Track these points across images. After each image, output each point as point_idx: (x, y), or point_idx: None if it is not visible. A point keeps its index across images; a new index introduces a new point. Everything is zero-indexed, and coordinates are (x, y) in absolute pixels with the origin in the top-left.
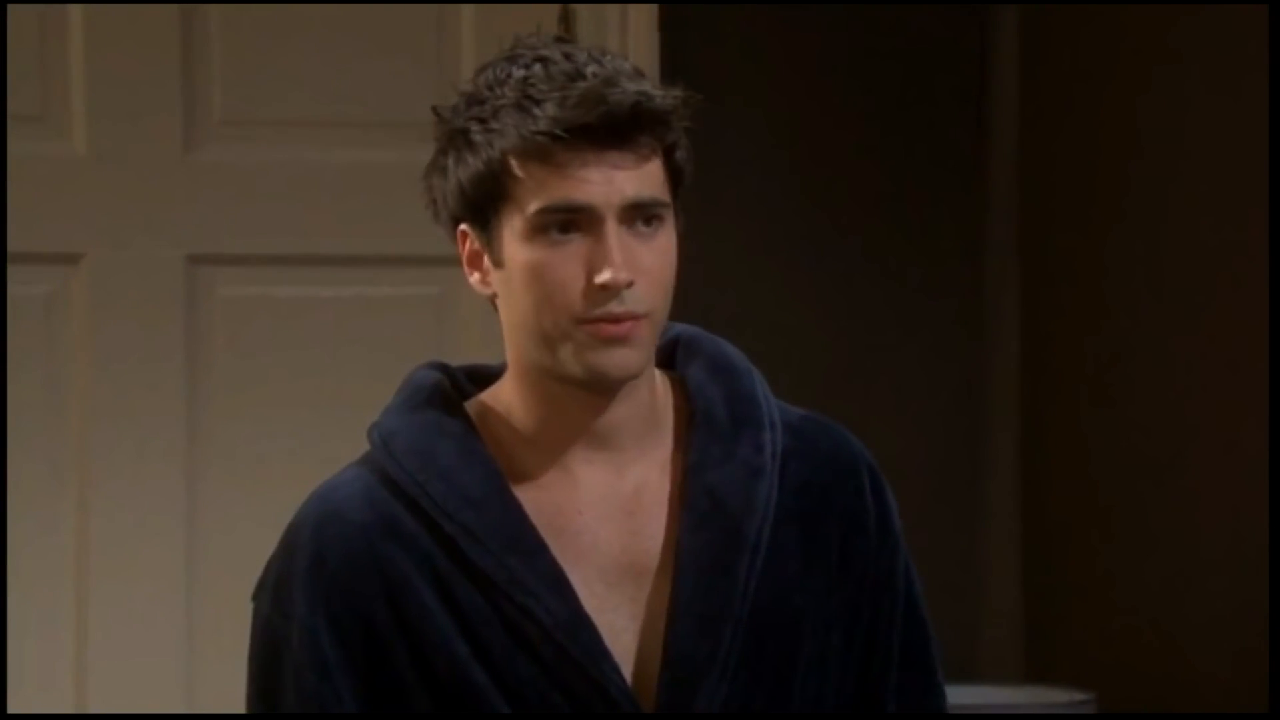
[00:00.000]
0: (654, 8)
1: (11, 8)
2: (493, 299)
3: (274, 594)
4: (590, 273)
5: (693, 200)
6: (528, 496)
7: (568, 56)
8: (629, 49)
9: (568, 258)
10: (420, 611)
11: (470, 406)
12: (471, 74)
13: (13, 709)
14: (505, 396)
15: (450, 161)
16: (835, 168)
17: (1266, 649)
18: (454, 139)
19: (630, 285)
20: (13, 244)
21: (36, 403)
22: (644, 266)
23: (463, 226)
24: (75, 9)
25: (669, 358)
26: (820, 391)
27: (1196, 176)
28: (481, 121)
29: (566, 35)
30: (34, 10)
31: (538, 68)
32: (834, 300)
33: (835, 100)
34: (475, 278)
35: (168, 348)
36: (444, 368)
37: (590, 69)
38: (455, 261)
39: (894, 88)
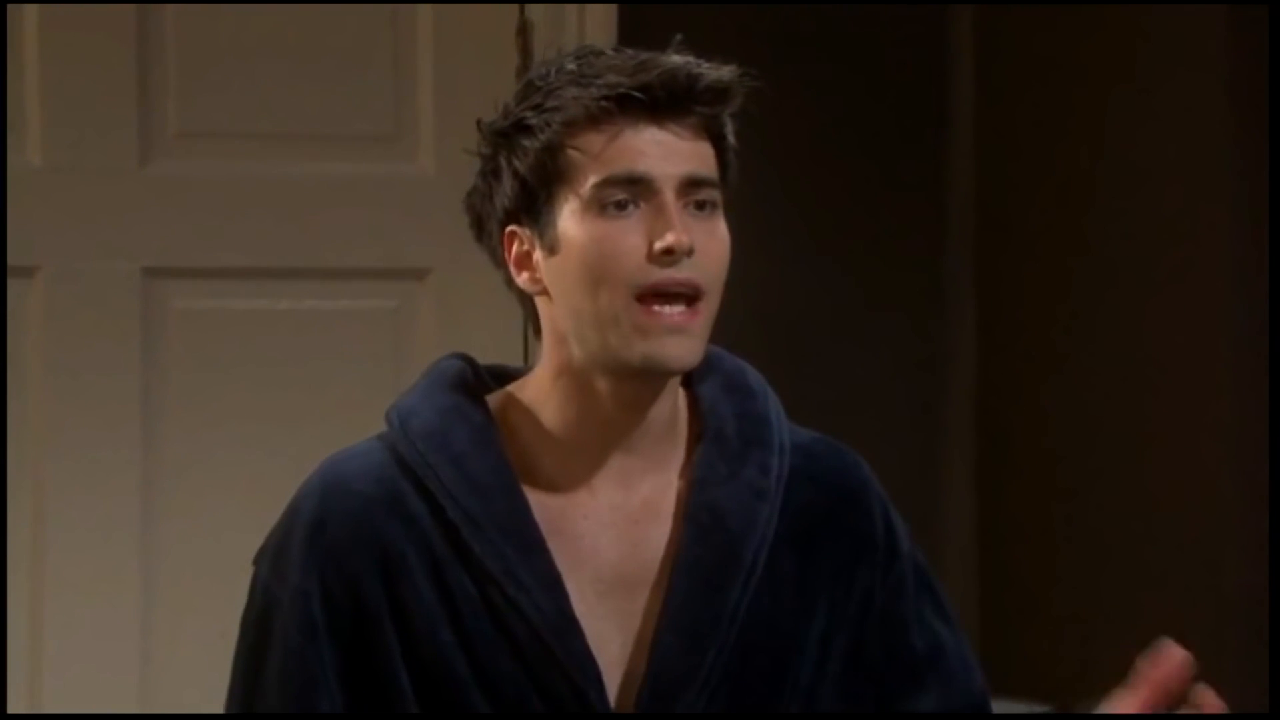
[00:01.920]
0: (612, 16)
1: None
2: (537, 298)
3: (273, 558)
4: (651, 241)
5: None
6: (535, 494)
7: (619, 50)
8: None
9: (627, 230)
10: (412, 593)
11: (493, 398)
12: (431, 85)
13: None
14: (533, 393)
15: (502, 159)
16: (792, 172)
17: (1224, 660)
18: (505, 136)
19: (691, 253)
20: None
21: None
22: (701, 245)
23: (511, 228)
24: (30, 21)
25: (685, 375)
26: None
27: (1157, 176)
28: (536, 107)
29: (524, 45)
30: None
31: (592, 57)
32: (786, 308)
33: (792, 108)
34: (524, 277)
35: (124, 360)
36: (469, 359)
37: (646, 54)
38: (413, 275)
39: (853, 93)
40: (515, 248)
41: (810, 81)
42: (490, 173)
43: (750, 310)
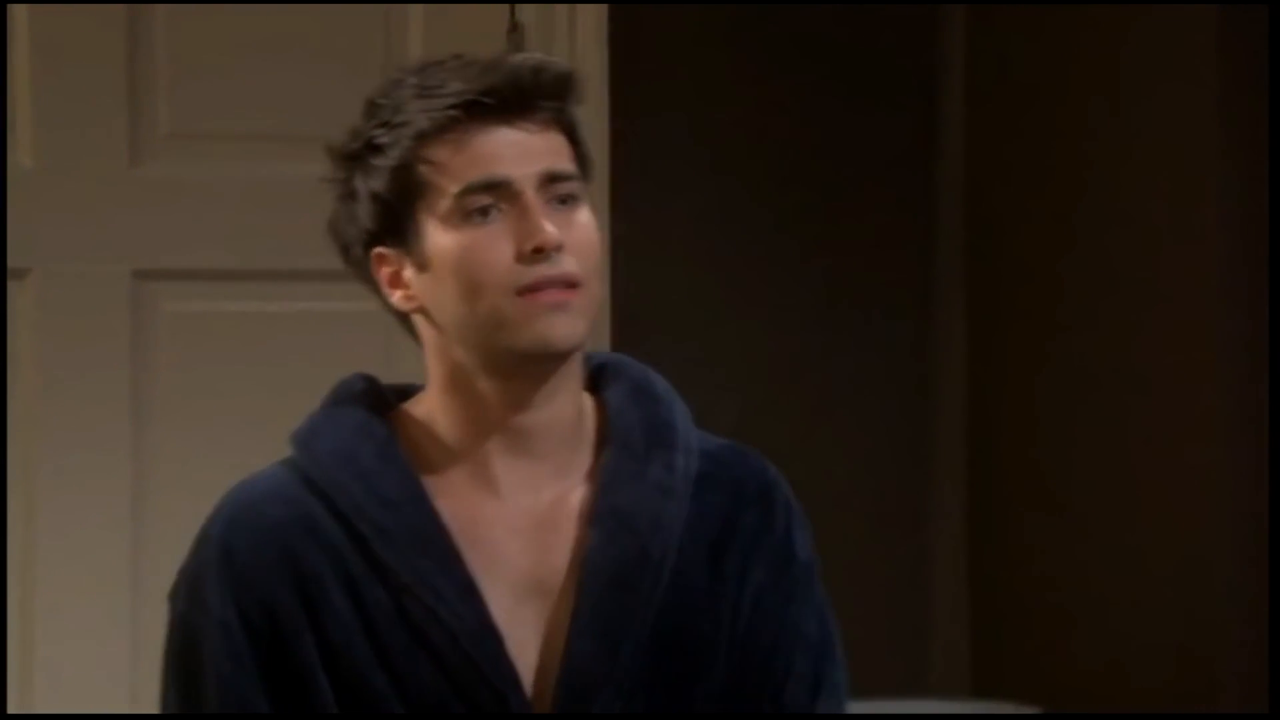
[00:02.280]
0: (603, 16)
1: None
2: (411, 315)
3: (189, 591)
4: (519, 242)
5: (639, 205)
6: (444, 505)
7: (457, 56)
8: (577, 56)
9: (494, 236)
10: (328, 611)
11: (393, 416)
12: None
13: None
14: (426, 408)
15: (358, 181)
16: (782, 177)
17: (1213, 660)
18: (356, 158)
19: (560, 248)
20: None
21: None
22: (570, 238)
23: (378, 250)
24: (20, 21)
25: (594, 383)
26: (761, 406)
27: (1148, 183)
28: (385, 125)
29: (516, 46)
30: None
31: (433, 68)
32: (777, 310)
33: (784, 107)
34: (398, 296)
35: (114, 362)
36: (370, 379)
37: (485, 58)
38: None
39: (843, 94)
40: (384, 269)
41: (799, 85)
42: (347, 196)
43: (737, 316)
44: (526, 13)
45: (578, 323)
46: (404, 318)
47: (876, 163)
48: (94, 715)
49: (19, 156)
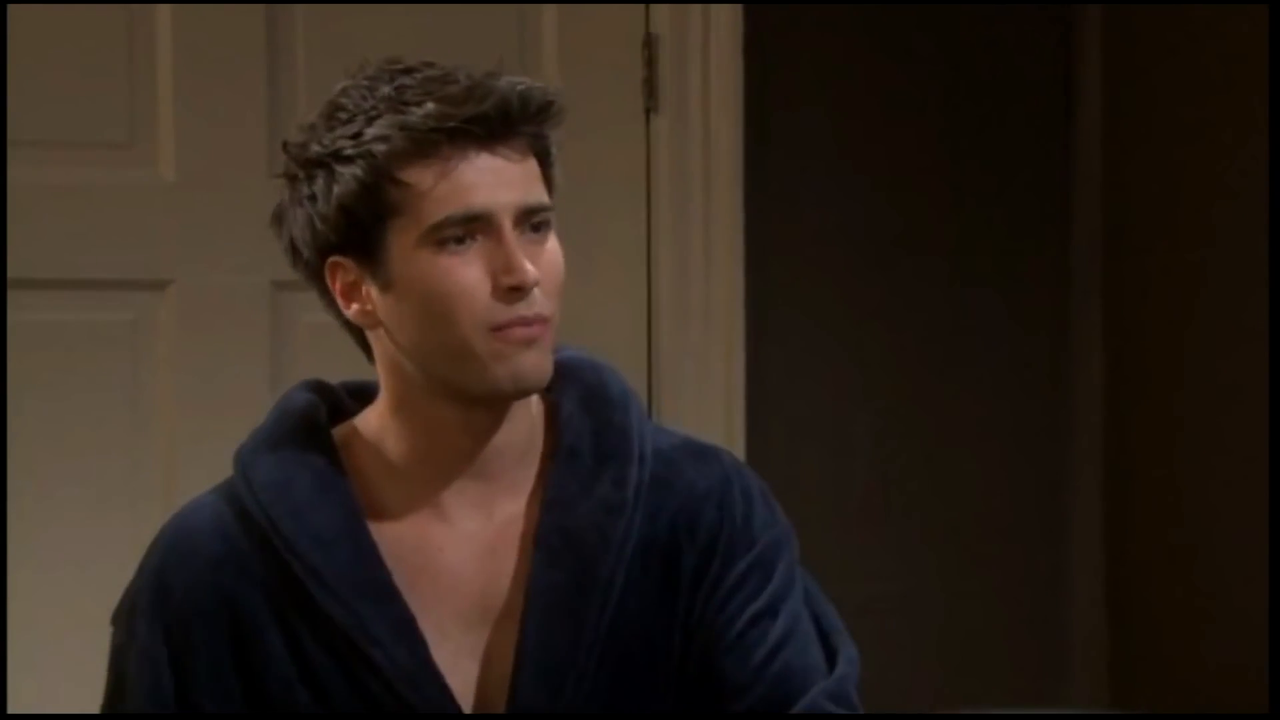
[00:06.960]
0: (738, 17)
1: (103, 36)
2: (365, 331)
3: (126, 618)
4: (495, 277)
5: (773, 225)
6: (388, 533)
7: (430, 65)
8: (711, 62)
9: (468, 264)
10: (264, 654)
11: (339, 432)
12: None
13: None
14: (376, 426)
15: (319, 188)
16: (917, 196)
17: None
18: (319, 163)
19: (537, 285)
20: (101, 271)
21: (123, 426)
22: (540, 269)
23: (334, 258)
24: (164, 36)
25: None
26: (899, 421)
27: None
28: (354, 137)
29: (649, 57)
30: (123, 40)
31: (406, 78)
32: (912, 322)
33: (918, 125)
34: (353, 310)
35: (252, 373)
36: (320, 388)
37: (461, 74)
38: None
39: (977, 112)
40: (340, 278)
41: (934, 107)
42: (307, 199)
43: (872, 327)
44: (660, 14)
45: (546, 358)
46: (356, 330)
47: (1013, 169)
48: (94, 715)
49: (161, 170)
